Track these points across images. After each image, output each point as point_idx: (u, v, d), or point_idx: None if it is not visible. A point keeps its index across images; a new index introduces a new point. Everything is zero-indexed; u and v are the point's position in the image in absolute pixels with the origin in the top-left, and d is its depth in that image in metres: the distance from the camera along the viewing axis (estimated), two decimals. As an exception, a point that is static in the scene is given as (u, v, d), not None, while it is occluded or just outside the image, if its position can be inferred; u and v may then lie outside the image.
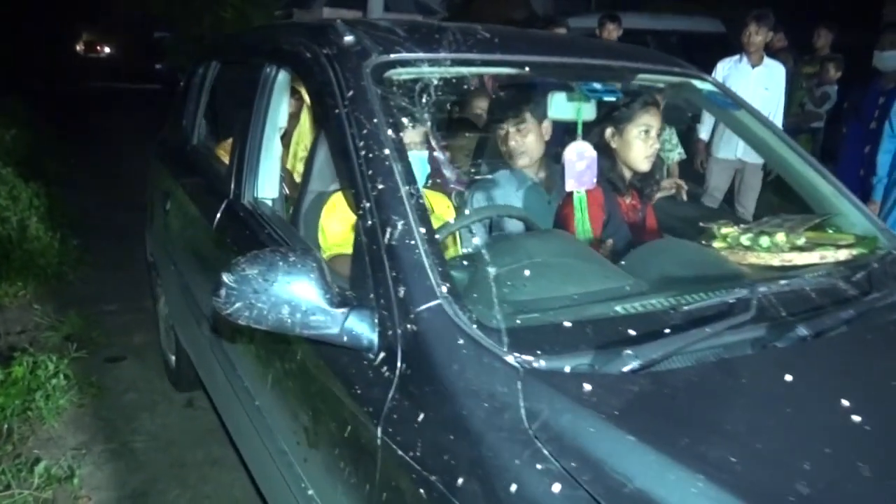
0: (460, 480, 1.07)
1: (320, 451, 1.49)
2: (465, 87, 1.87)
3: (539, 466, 1.02)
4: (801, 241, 1.88)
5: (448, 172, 2.10)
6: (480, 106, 3.02)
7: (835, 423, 1.16)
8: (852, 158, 4.85)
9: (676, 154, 5.07)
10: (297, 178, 2.77)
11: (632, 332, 1.30)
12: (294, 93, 2.71)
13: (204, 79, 2.99)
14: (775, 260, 1.83)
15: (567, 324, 1.29)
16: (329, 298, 1.33)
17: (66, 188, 6.60)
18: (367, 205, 1.45)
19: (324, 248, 2.14)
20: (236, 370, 2.02)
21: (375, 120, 1.56)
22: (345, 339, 1.34)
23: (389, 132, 1.54)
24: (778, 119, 4.97)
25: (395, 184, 1.44)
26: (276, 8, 14.72)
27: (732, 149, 5.01)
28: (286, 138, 2.81)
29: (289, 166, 2.91)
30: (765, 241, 1.87)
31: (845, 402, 1.18)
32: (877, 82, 4.79)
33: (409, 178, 1.46)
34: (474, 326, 1.24)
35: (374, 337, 1.34)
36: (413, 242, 1.35)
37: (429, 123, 1.59)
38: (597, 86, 1.91)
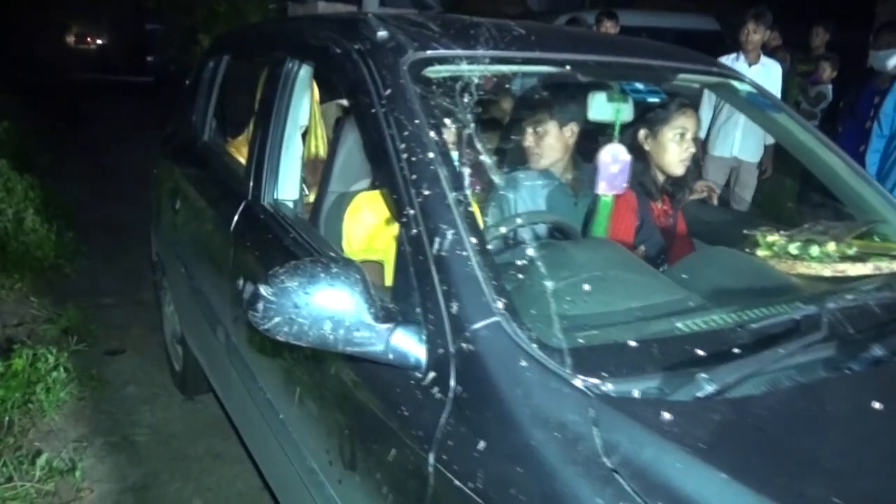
0: (532, 517, 0.98)
1: (358, 474, 1.40)
2: (507, 85, 1.77)
3: (624, 506, 0.94)
4: (851, 251, 1.80)
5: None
6: (505, 107, 2.93)
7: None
8: (848, 158, 4.83)
9: None
10: (309, 177, 2.68)
11: (700, 353, 1.22)
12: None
13: (215, 73, 2.87)
14: (827, 270, 1.75)
15: (632, 343, 1.20)
16: (374, 313, 1.24)
17: (58, 180, 6.52)
18: (412, 212, 1.35)
19: (347, 253, 2.04)
20: (257, 381, 1.93)
21: (417, 121, 1.46)
22: (390, 356, 1.25)
23: (432, 134, 1.45)
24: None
25: (441, 190, 1.35)
26: (270, 2, 14.58)
27: (728, 147, 5.01)
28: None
29: None
30: (815, 250, 1.79)
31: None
32: (872, 82, 4.75)
33: (457, 183, 1.37)
34: (535, 346, 1.15)
35: (422, 355, 1.25)
36: (465, 253, 1.26)
37: (472, 125, 1.49)
38: (639, 86, 1.83)
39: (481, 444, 1.09)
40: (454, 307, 1.22)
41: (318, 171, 2.52)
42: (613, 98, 1.98)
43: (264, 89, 2.25)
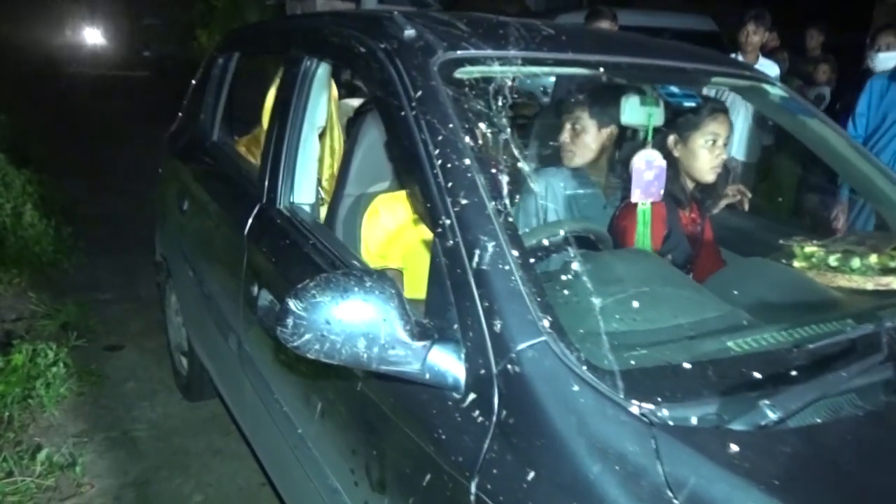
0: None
1: (387, 496, 1.33)
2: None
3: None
4: (894, 263, 1.73)
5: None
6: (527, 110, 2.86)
7: None
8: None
9: None
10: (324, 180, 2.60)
11: (757, 375, 1.14)
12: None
13: (225, 71, 2.78)
14: (869, 284, 1.68)
15: (686, 365, 1.13)
16: (410, 330, 1.17)
17: (56, 175, 6.45)
18: (448, 222, 1.27)
19: (365, 260, 1.96)
20: (273, 393, 1.85)
21: (451, 125, 1.38)
22: (427, 376, 1.18)
23: (467, 139, 1.37)
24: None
25: (480, 199, 1.27)
26: (267, -1, 14.51)
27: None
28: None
29: None
30: (856, 262, 1.73)
31: None
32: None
33: (496, 192, 1.29)
34: (585, 368, 1.08)
35: (461, 374, 1.17)
36: (507, 267, 1.19)
37: (508, 130, 1.42)
38: (675, 89, 1.75)
39: (531, 475, 1.02)
40: (497, 325, 1.14)
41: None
42: (646, 102, 1.91)
43: (279, 88, 2.16)
